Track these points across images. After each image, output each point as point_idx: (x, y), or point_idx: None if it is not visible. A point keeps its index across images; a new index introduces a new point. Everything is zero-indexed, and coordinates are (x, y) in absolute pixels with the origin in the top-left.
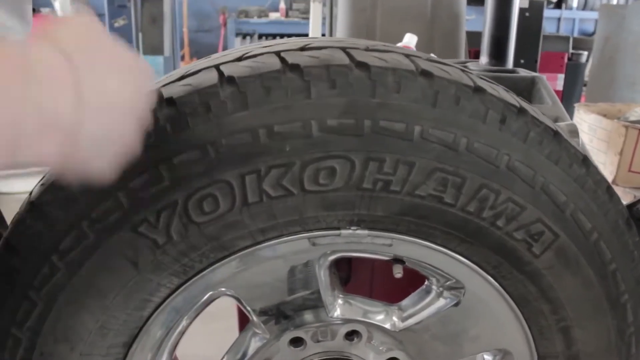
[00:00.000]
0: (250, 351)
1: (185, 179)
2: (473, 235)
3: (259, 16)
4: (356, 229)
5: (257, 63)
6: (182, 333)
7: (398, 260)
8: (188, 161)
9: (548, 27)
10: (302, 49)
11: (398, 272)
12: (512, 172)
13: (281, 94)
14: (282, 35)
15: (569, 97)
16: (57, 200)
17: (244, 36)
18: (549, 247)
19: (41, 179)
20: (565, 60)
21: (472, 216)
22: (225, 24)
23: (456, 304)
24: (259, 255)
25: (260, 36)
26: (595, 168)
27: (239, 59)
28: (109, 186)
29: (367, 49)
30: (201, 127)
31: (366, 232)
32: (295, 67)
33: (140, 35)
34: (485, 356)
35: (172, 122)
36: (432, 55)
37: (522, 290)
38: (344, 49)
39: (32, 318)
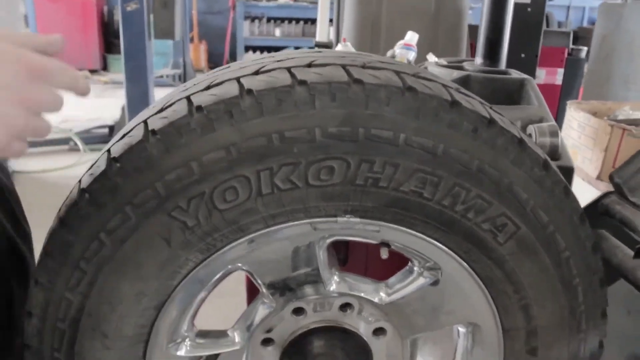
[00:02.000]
0: (258, 319)
1: (212, 173)
2: (447, 225)
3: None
4: (350, 217)
5: (272, 77)
6: (202, 301)
7: (385, 243)
8: (214, 159)
9: (557, 16)
10: (309, 65)
11: (384, 253)
12: (481, 173)
13: (291, 105)
14: (290, 19)
15: (568, 92)
16: (104, 188)
17: (253, 19)
18: (511, 237)
19: (89, 169)
20: (566, 55)
21: (447, 209)
22: (234, 7)
23: (434, 283)
24: (269, 237)
25: (269, 19)
26: (554, 170)
27: (256, 73)
28: (148, 178)
29: (363, 66)
30: (225, 131)
31: (358, 219)
32: (303, 82)
33: (151, 18)
34: (459, 328)
35: (201, 126)
36: (429, 61)
37: (489, 272)
38: (344, 67)
39: (82, 284)
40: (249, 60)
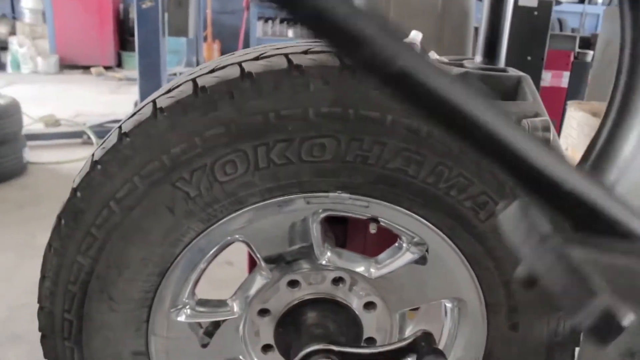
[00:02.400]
0: (255, 290)
1: (213, 148)
2: (432, 201)
3: None
4: (340, 193)
5: (270, 62)
6: (203, 271)
7: (374, 219)
8: (216, 134)
9: (571, 22)
10: (305, 52)
11: (373, 228)
12: (463, 154)
13: (288, 87)
14: None
15: (574, 95)
16: (115, 159)
17: (266, 20)
18: (492, 214)
19: (102, 143)
20: (572, 58)
21: (431, 186)
22: (248, 7)
23: (422, 259)
24: (266, 210)
25: (282, 20)
26: None
27: (257, 59)
28: (156, 150)
29: None
30: (226, 109)
31: (347, 195)
32: (298, 67)
33: (165, 16)
34: (446, 304)
35: (204, 105)
36: (432, 53)
37: (472, 249)
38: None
39: (92, 248)
40: (252, 48)
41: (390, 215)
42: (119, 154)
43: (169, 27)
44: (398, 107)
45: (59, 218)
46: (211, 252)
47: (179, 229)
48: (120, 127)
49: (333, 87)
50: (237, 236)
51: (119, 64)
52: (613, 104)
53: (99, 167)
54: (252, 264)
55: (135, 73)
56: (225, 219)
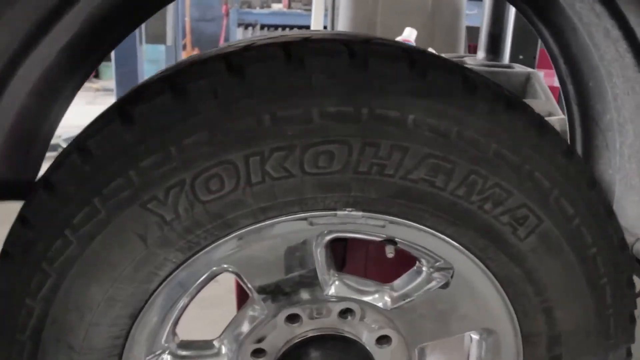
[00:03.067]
0: (248, 327)
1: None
2: (462, 218)
3: (262, 7)
4: (351, 211)
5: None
6: (184, 308)
7: (391, 241)
8: (196, 143)
9: None
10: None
11: (391, 252)
12: (501, 159)
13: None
14: (284, 27)
15: None
16: (70, 177)
17: (246, 26)
18: (532, 231)
19: (56, 157)
20: None
21: (462, 200)
22: (227, 14)
23: (445, 285)
24: (260, 234)
25: (262, 27)
26: (579, 158)
27: (246, 49)
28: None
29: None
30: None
31: (360, 213)
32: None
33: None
34: (472, 335)
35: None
36: (430, 49)
37: (507, 272)
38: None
39: (45, 288)
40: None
41: (411, 235)
42: (75, 171)
43: (147, 34)
44: (422, 105)
45: (3, 251)
46: (193, 287)
47: (153, 261)
48: (78, 138)
49: (341, 81)
50: (224, 266)
51: (96, 74)
52: None
53: (50, 187)
54: (243, 298)
55: (112, 83)
56: (209, 247)
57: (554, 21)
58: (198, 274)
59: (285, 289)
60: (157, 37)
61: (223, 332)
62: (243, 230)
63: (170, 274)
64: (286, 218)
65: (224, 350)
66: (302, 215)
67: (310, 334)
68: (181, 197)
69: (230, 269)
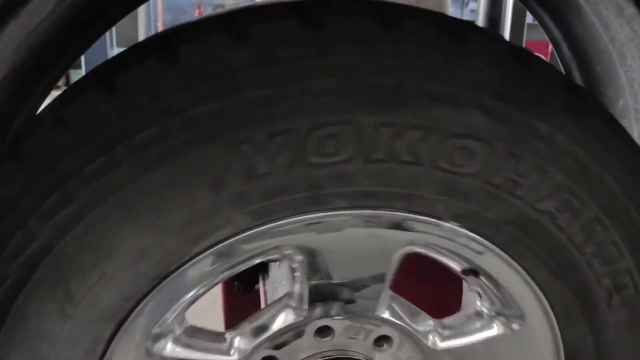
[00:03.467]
0: (275, 326)
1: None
2: (564, 267)
3: None
4: (457, 225)
5: None
6: (209, 288)
7: (473, 272)
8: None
9: None
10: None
11: (474, 284)
12: (626, 214)
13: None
14: None
15: None
16: None
17: None
18: (626, 302)
19: None
20: (550, 49)
21: (575, 247)
22: None
23: (503, 336)
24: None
25: None
26: None
27: None
28: None
29: None
30: None
31: (465, 230)
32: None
33: (114, 27)
34: None
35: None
36: None
37: (579, 340)
38: None
39: None
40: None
41: (498, 271)
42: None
43: (118, 37)
44: (571, 123)
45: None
46: (236, 264)
47: (214, 219)
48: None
49: (499, 70)
50: (287, 252)
51: (67, 82)
52: None
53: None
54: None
55: None
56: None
57: (552, 1)
58: (249, 252)
59: (336, 294)
60: (129, 40)
61: (239, 326)
62: (331, 213)
63: (224, 240)
64: (384, 212)
65: (234, 346)
66: (401, 214)
67: (332, 355)
68: (284, 149)
69: (286, 254)
